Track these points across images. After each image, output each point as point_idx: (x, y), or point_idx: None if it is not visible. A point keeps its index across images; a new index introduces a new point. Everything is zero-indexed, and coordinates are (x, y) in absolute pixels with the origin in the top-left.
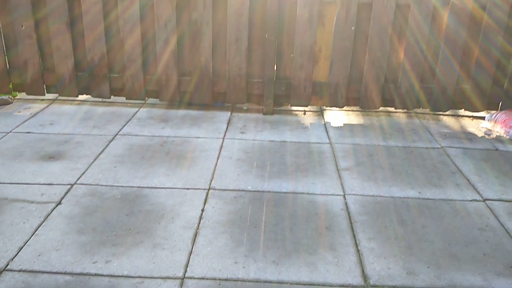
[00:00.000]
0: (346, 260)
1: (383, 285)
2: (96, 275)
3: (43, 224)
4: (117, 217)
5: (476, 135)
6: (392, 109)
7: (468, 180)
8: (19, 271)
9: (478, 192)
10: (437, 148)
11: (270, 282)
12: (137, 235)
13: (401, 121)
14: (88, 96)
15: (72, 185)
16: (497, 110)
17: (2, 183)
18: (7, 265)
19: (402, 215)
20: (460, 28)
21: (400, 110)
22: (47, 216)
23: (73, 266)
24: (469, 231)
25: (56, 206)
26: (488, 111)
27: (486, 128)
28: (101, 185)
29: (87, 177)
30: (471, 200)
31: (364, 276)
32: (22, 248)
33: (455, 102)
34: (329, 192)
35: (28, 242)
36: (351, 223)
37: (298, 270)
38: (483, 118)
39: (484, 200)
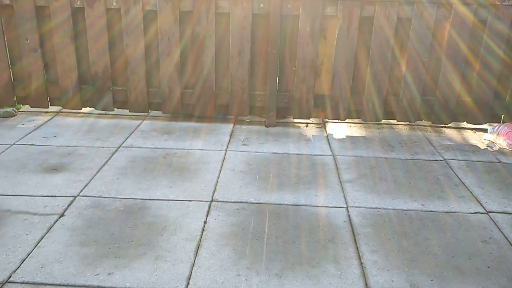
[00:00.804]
0: (349, 273)
1: None
2: (98, 287)
3: (46, 236)
4: (119, 229)
5: (478, 148)
6: (394, 121)
7: (471, 192)
8: (22, 283)
9: (481, 205)
10: (440, 160)
11: None
12: (139, 247)
13: (404, 133)
14: (91, 108)
15: (75, 197)
16: (500, 122)
17: (5, 195)
18: (10, 277)
19: (405, 227)
20: (461, 41)
21: (402, 123)
22: (50, 228)
23: (76, 278)
24: (473, 244)
25: (59, 218)
26: (490, 123)
27: (489, 140)
28: (104, 197)
29: (90, 189)
30: (474, 213)
31: None
32: (24, 260)
33: (457, 114)
34: (331, 204)
35: (31, 254)
36: (354, 235)
37: (301, 283)
38: (485, 130)
39: (488, 212)
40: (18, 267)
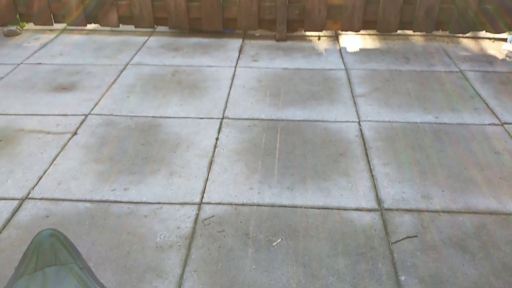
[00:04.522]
0: (360, 185)
1: (397, 209)
2: (115, 202)
3: (60, 154)
4: (133, 146)
5: (497, 58)
6: (410, 32)
7: (486, 104)
8: (41, 199)
9: (496, 116)
10: (456, 71)
11: (285, 206)
12: (153, 163)
13: (420, 44)
14: (96, 25)
15: (86, 115)
16: None
17: (17, 114)
18: (29, 193)
19: (418, 140)
20: None
21: (418, 33)
22: (64, 146)
23: (93, 194)
24: (486, 155)
25: (72, 136)
26: (511, 32)
27: (508, 50)
28: (115, 115)
29: (101, 108)
30: (489, 124)
31: (378, 200)
32: (42, 177)
33: (477, 23)
34: (343, 119)
35: (47, 171)
36: (365, 149)
37: (312, 195)
38: (504, 40)
39: (503, 124)
40: (36, 184)
